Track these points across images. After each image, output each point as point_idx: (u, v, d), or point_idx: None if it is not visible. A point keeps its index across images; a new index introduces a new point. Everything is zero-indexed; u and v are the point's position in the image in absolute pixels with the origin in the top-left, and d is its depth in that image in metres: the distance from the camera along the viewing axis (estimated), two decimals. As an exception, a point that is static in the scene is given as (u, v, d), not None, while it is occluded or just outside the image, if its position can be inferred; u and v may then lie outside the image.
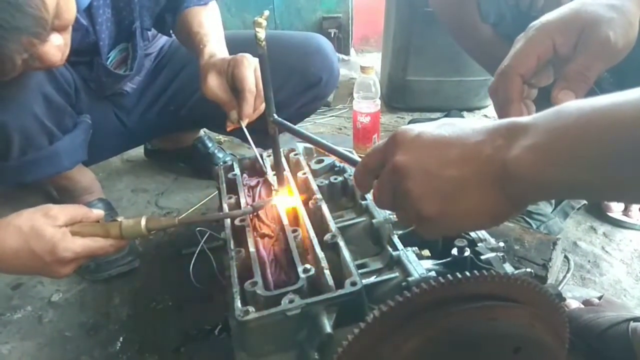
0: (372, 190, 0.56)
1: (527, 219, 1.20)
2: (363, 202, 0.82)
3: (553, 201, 1.27)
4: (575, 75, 0.62)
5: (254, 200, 0.88)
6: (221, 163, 0.99)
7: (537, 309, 0.55)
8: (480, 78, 1.85)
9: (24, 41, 0.69)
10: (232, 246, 0.74)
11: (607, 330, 0.84)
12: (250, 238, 0.74)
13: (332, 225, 0.74)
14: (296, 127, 0.77)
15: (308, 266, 0.66)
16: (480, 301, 0.52)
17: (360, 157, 0.60)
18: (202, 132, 1.57)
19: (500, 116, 0.68)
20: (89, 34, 1.03)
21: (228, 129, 0.98)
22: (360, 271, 0.67)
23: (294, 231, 0.74)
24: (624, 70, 0.67)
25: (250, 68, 0.94)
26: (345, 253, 0.68)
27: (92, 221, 0.81)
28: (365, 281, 0.64)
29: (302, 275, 0.65)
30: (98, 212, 0.83)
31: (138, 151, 1.68)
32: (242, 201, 0.85)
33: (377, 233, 0.76)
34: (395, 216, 0.75)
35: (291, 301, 0.60)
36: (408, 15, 1.81)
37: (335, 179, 0.87)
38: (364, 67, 1.49)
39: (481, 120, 0.95)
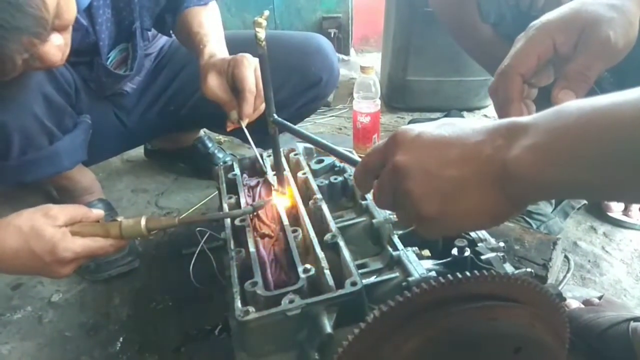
0: (372, 190, 0.56)
1: (527, 219, 1.20)
2: (363, 202, 0.82)
3: (553, 201, 1.27)
4: (575, 75, 0.62)
5: (254, 200, 0.88)
6: (221, 163, 0.99)
7: (538, 309, 0.55)
8: (480, 78, 1.85)
9: (25, 41, 0.69)
10: (232, 246, 0.74)
11: (607, 330, 0.84)
12: (251, 238, 0.74)
13: (332, 225, 0.74)
14: (296, 127, 0.77)
15: (308, 266, 0.66)
16: (480, 301, 0.52)
17: (360, 157, 0.60)
18: (202, 132, 1.57)
19: (500, 116, 0.68)
20: (89, 34, 1.03)
21: (228, 129, 0.98)
22: (360, 271, 0.67)
23: (294, 231, 0.74)
24: (624, 70, 0.67)
25: (250, 68, 0.94)
26: (346, 253, 0.68)
27: (92, 221, 0.81)
28: (365, 281, 0.64)
29: (302, 275, 0.65)
30: (98, 212, 0.83)
31: (138, 151, 1.68)
32: (242, 201, 0.85)
33: (377, 233, 0.76)
34: (395, 216, 0.75)
35: (291, 301, 0.60)
36: (408, 15, 1.81)
37: (336, 179, 0.87)
38: (364, 67, 1.49)
39: (481, 120, 0.94)
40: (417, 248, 0.71)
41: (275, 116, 0.75)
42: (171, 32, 1.22)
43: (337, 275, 0.64)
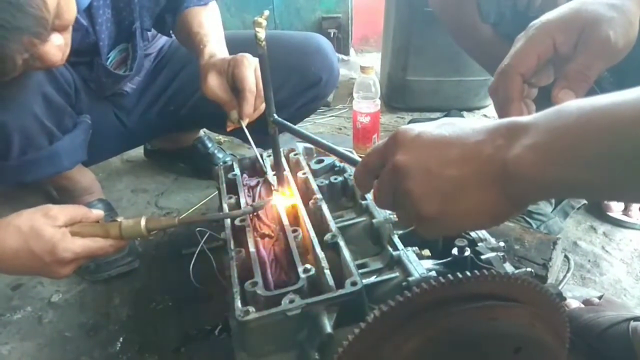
0: (372, 190, 0.56)
1: (527, 219, 1.20)
2: (363, 202, 0.82)
3: (553, 201, 1.27)
4: (575, 75, 0.62)
5: (254, 200, 0.88)
6: (221, 163, 0.99)
7: (538, 308, 0.55)
8: (480, 78, 1.85)
9: (25, 41, 0.69)
10: (232, 246, 0.74)
11: (607, 329, 0.84)
12: (251, 238, 0.74)
13: (332, 225, 0.74)
14: (296, 127, 0.77)
15: (308, 266, 0.66)
16: (480, 301, 0.52)
17: (360, 157, 0.60)
18: (202, 132, 1.57)
19: (500, 115, 0.68)
20: (89, 34, 1.03)
21: (228, 129, 0.98)
22: (360, 271, 0.67)
23: (294, 231, 0.74)
24: (624, 69, 0.67)
25: (250, 68, 0.94)
26: (346, 253, 0.68)
27: (92, 221, 0.81)
28: (365, 281, 0.64)
29: (302, 275, 0.65)
30: (98, 213, 0.83)
31: (138, 151, 1.67)
32: (242, 201, 0.85)
33: (377, 233, 0.76)
34: (395, 216, 0.75)
35: (291, 301, 0.60)
36: (408, 15, 1.81)
37: (335, 178, 0.87)
38: (363, 67, 1.49)
39: (481, 120, 0.95)
40: (417, 248, 0.71)
41: (275, 116, 0.75)
42: (171, 32, 1.22)
43: (337, 275, 0.64)
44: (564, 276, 1.03)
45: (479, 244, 0.71)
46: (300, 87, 1.27)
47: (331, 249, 0.70)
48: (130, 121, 1.31)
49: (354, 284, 0.62)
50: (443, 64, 1.86)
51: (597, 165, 0.37)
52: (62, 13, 0.73)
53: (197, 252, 0.83)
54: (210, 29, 1.10)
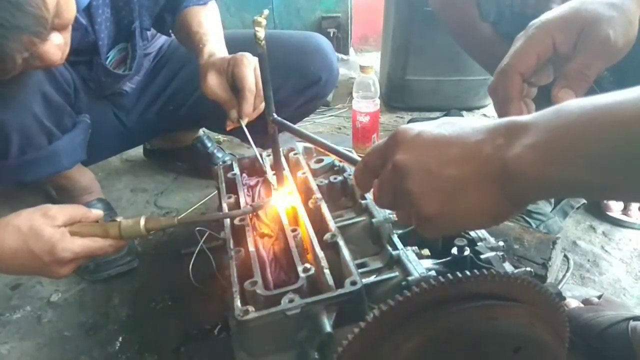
0: (372, 190, 0.56)
1: (527, 218, 1.20)
2: (363, 202, 0.82)
3: (552, 200, 1.27)
4: (575, 74, 0.62)
5: (253, 199, 0.88)
6: (220, 163, 0.99)
7: (537, 308, 0.55)
8: (479, 77, 1.85)
9: (25, 40, 0.68)
10: (231, 246, 0.74)
11: (606, 329, 0.84)
12: (250, 238, 0.74)
13: (332, 225, 0.74)
14: (296, 126, 0.76)
15: (308, 266, 0.66)
16: (480, 300, 0.52)
17: (359, 156, 0.60)
18: (202, 131, 1.57)
19: (500, 115, 0.68)
20: (88, 34, 1.03)
21: (228, 128, 0.98)
22: (360, 270, 0.67)
23: (294, 231, 0.74)
24: (623, 68, 0.67)
25: (250, 67, 0.94)
26: (345, 252, 0.68)
27: (91, 221, 0.81)
28: (365, 280, 0.64)
29: (301, 275, 0.64)
30: (97, 212, 0.83)
31: (137, 151, 1.67)
32: (242, 201, 0.85)
33: (376, 232, 0.76)
34: (394, 215, 0.75)
35: (291, 301, 0.60)
36: (407, 14, 1.81)
37: (335, 178, 0.87)
38: (363, 66, 1.49)
39: (481, 120, 0.95)
40: (416, 247, 0.71)
41: (275, 115, 0.75)
42: (170, 31, 1.22)
43: (336, 275, 0.64)
44: (564, 276, 1.03)
45: (478, 244, 0.71)
46: (299, 86, 1.27)
47: (331, 248, 0.70)
48: (130, 121, 1.31)
49: (353, 283, 0.62)
50: (443, 64, 1.85)
51: (597, 164, 0.37)
52: (62, 12, 0.73)
53: (196, 251, 0.83)
54: (210, 28, 1.10)
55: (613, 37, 0.60)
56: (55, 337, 1.04)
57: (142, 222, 0.77)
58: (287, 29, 2.44)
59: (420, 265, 0.66)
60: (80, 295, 1.15)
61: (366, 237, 0.78)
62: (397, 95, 2.01)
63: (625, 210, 1.28)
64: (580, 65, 0.62)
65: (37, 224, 0.74)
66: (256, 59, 0.92)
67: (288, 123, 0.75)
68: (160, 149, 1.64)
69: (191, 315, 1.03)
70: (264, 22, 0.65)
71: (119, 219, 0.80)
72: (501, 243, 0.72)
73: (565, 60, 0.64)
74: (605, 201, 1.29)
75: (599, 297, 0.96)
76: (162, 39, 1.33)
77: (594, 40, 0.61)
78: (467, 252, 0.67)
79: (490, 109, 2.00)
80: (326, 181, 0.87)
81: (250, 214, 0.79)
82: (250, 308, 0.60)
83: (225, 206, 0.85)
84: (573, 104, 0.40)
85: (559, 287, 0.96)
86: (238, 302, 0.62)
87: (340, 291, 0.61)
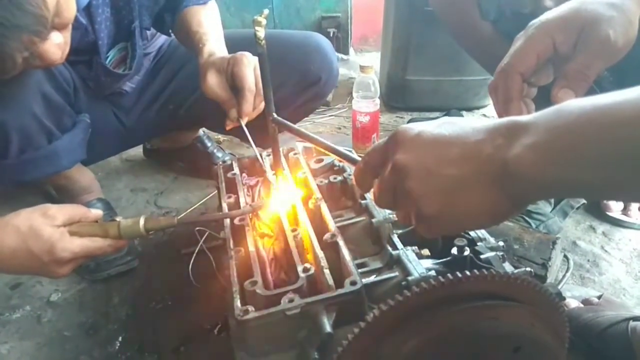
0: (372, 190, 0.56)
1: (527, 218, 1.20)
2: (362, 202, 0.82)
3: (552, 200, 1.27)
4: (575, 74, 0.62)
5: (253, 199, 0.88)
6: (220, 162, 0.99)
7: (537, 308, 0.55)
8: (479, 77, 1.85)
9: (25, 39, 0.68)
10: (231, 245, 0.74)
11: (606, 329, 0.84)
12: (250, 237, 0.74)
13: (332, 225, 0.74)
14: (295, 126, 0.76)
15: (308, 265, 0.66)
16: (480, 300, 0.52)
17: (359, 156, 0.60)
18: (201, 131, 1.57)
19: (500, 114, 0.68)
20: (88, 33, 1.03)
21: (227, 128, 0.98)
22: (359, 270, 0.67)
23: (294, 230, 0.74)
24: (623, 69, 0.67)
25: (249, 66, 0.94)
26: (345, 252, 0.68)
27: (91, 221, 0.81)
28: (365, 280, 0.64)
29: (301, 275, 0.64)
30: (96, 212, 0.83)
31: (137, 150, 1.67)
32: (242, 200, 0.85)
33: (376, 232, 0.76)
34: (394, 215, 0.75)
35: (291, 300, 0.60)
36: (407, 14, 1.81)
37: (335, 178, 0.87)
38: (363, 66, 1.49)
39: (481, 120, 0.95)
40: (416, 247, 0.71)
41: (275, 115, 0.75)
42: (170, 31, 1.22)
43: (336, 275, 0.64)
44: (563, 276, 1.03)
45: (478, 244, 0.71)
46: (299, 86, 1.27)
47: (330, 248, 0.70)
48: (130, 120, 1.31)
49: (353, 283, 0.62)
50: (442, 64, 1.85)
51: (597, 164, 0.37)
52: (62, 11, 0.73)
53: (196, 251, 0.83)
54: (210, 27, 1.10)
55: (613, 37, 0.60)
56: (55, 337, 1.04)
57: (142, 222, 0.77)
58: (287, 29, 2.44)
59: (420, 265, 0.66)
60: (80, 294, 1.15)
61: (366, 237, 0.78)
62: (397, 95, 2.01)
63: (625, 211, 1.28)
64: (580, 65, 0.62)
65: (36, 224, 0.74)
66: (256, 58, 0.92)
67: (288, 123, 0.75)
68: (160, 148, 1.64)
69: (191, 315, 1.03)
70: (264, 21, 0.65)
71: (118, 218, 0.80)
72: (501, 243, 0.72)
73: (565, 60, 0.64)
74: (605, 201, 1.29)
75: (599, 297, 0.96)
76: (162, 39, 1.33)
77: (594, 40, 0.61)
78: (467, 252, 0.67)
79: (490, 109, 2.00)
80: (326, 181, 0.87)
81: (250, 214, 0.79)
82: (250, 308, 0.60)
83: (225, 206, 0.85)
84: (573, 104, 0.40)
85: (559, 287, 0.96)
86: (238, 302, 0.62)
87: (340, 291, 0.61)
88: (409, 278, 0.64)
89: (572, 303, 0.94)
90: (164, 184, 1.58)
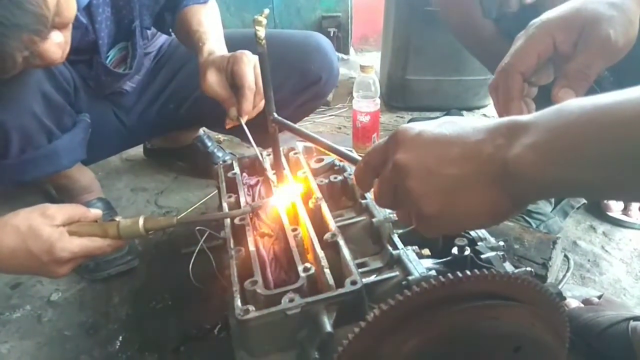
0: (372, 189, 0.56)
1: (527, 218, 1.20)
2: (363, 201, 0.82)
3: (552, 200, 1.27)
4: (575, 74, 0.62)
5: (253, 199, 0.87)
6: (221, 162, 0.99)
7: (538, 308, 0.55)
8: (479, 77, 1.85)
9: (25, 39, 0.68)
10: (232, 245, 0.74)
11: (607, 329, 0.84)
12: (250, 237, 0.74)
13: (332, 224, 0.74)
14: (296, 125, 0.76)
15: (308, 265, 0.66)
16: (480, 300, 0.52)
17: (360, 156, 0.60)
18: (202, 131, 1.57)
19: (501, 114, 0.68)
20: (89, 33, 1.03)
21: (227, 127, 0.98)
22: (360, 270, 0.67)
23: (294, 230, 0.74)
24: (624, 68, 0.67)
25: (249, 65, 0.93)
26: (345, 252, 0.68)
27: (90, 221, 0.81)
28: (365, 280, 0.64)
29: (302, 274, 0.64)
30: (96, 212, 0.83)
31: (137, 150, 1.67)
32: (242, 200, 0.85)
33: (377, 232, 0.76)
34: (395, 215, 0.75)
35: (291, 300, 0.60)
36: (407, 14, 1.81)
37: (335, 177, 0.87)
38: (363, 66, 1.49)
39: (481, 119, 0.94)
40: (417, 247, 0.71)
41: (275, 115, 0.75)
42: (170, 30, 1.22)
43: (337, 274, 0.64)
44: (564, 276, 1.03)
45: (478, 243, 0.71)
46: (299, 85, 1.27)
47: (331, 248, 0.70)
48: (130, 120, 1.31)
49: (353, 283, 0.62)
50: (443, 63, 1.85)
51: (597, 164, 0.37)
52: (62, 10, 0.73)
53: (196, 251, 0.83)
54: (210, 26, 1.10)
55: (613, 36, 0.60)
56: (55, 337, 1.04)
57: (141, 222, 0.77)
58: (287, 29, 2.44)
59: (420, 264, 0.66)
60: (80, 294, 1.15)
61: (366, 236, 0.78)
62: (398, 95, 2.01)
63: (625, 211, 1.28)
64: (580, 65, 0.62)
65: (35, 224, 0.74)
66: (256, 57, 0.92)
67: (288, 122, 0.75)
68: (160, 148, 1.64)
69: (191, 315, 1.03)
70: (264, 21, 0.65)
71: (118, 218, 0.80)
72: (501, 243, 0.72)
73: (565, 60, 0.64)
74: (605, 201, 1.29)
75: (599, 297, 0.96)
76: (162, 38, 1.33)
77: (595, 40, 0.61)
78: (467, 251, 0.67)
79: (490, 109, 2.00)
80: (326, 181, 0.87)
81: (251, 214, 0.79)
82: (251, 307, 0.60)
83: (225, 205, 0.85)
84: (573, 104, 0.40)
85: (559, 287, 0.96)
86: (238, 302, 0.62)
87: (341, 291, 0.61)
88: (410, 278, 0.64)
89: (573, 303, 0.94)
90: (164, 183, 1.58)
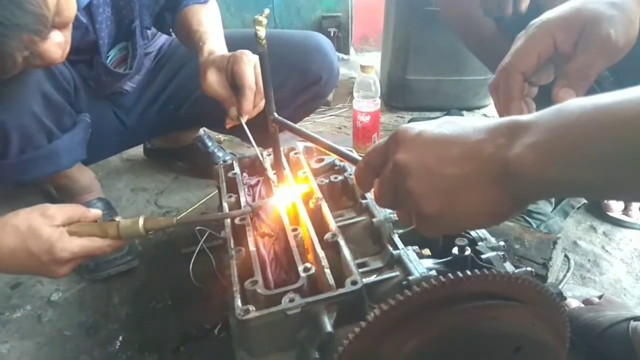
0: (372, 189, 0.55)
1: (527, 218, 1.20)
2: (363, 201, 0.82)
3: (553, 200, 1.27)
4: (576, 73, 0.62)
5: (254, 199, 0.87)
6: (221, 162, 0.99)
7: (538, 308, 0.55)
8: (479, 77, 1.85)
9: (25, 38, 0.68)
10: (232, 245, 0.74)
11: (607, 329, 0.84)
12: (251, 237, 0.74)
13: (332, 224, 0.74)
14: (296, 125, 0.76)
15: (308, 265, 0.66)
16: (481, 300, 0.52)
17: (360, 156, 0.60)
18: (202, 131, 1.57)
19: (501, 114, 0.68)
20: (89, 32, 1.03)
21: (227, 126, 0.98)
22: (360, 270, 0.67)
23: (294, 230, 0.74)
24: (624, 68, 0.67)
25: (250, 64, 0.93)
26: (346, 252, 0.68)
27: (90, 221, 0.81)
28: (365, 280, 0.64)
29: (302, 274, 0.64)
30: (96, 212, 0.83)
31: (137, 150, 1.67)
32: (242, 200, 0.85)
33: (377, 232, 0.76)
34: (395, 215, 0.75)
35: (291, 300, 0.60)
36: (408, 14, 1.81)
37: (336, 177, 0.87)
38: (363, 66, 1.49)
39: (482, 119, 0.94)
40: (417, 247, 0.71)
41: (276, 114, 0.75)
42: (171, 30, 1.22)
43: (337, 274, 0.64)
44: (564, 276, 1.03)
45: (479, 243, 0.71)
46: (300, 85, 1.27)
47: (331, 248, 0.70)
48: (130, 120, 1.31)
49: (354, 283, 0.62)
50: (443, 63, 1.85)
51: (598, 164, 0.37)
52: (62, 10, 0.73)
53: (196, 251, 0.83)
54: (210, 26, 1.10)
55: (614, 36, 0.60)
56: (55, 337, 1.04)
57: (141, 222, 0.77)
58: (287, 29, 2.44)
59: (420, 264, 0.66)
60: (80, 294, 1.15)
61: (367, 236, 0.78)
62: (398, 95, 2.01)
63: (625, 211, 1.28)
64: (581, 65, 0.62)
65: (35, 224, 0.73)
66: (256, 56, 0.92)
67: (289, 122, 0.75)
68: (160, 148, 1.63)
69: (191, 315, 1.03)
70: (264, 21, 0.65)
71: (117, 218, 0.80)
72: (502, 243, 0.72)
73: (566, 60, 0.64)
74: (605, 201, 1.29)
75: (600, 297, 0.96)
76: (162, 38, 1.33)
77: (595, 39, 0.61)
78: (467, 251, 0.67)
79: (490, 109, 2.00)
80: (327, 181, 0.87)
81: (251, 214, 0.79)
82: (251, 307, 0.60)
83: (225, 205, 0.85)
84: (574, 104, 0.40)
85: (560, 287, 0.96)
86: (238, 302, 0.62)
87: (341, 291, 0.61)
88: (410, 278, 0.64)
89: (573, 303, 0.94)
90: (164, 183, 1.58)
